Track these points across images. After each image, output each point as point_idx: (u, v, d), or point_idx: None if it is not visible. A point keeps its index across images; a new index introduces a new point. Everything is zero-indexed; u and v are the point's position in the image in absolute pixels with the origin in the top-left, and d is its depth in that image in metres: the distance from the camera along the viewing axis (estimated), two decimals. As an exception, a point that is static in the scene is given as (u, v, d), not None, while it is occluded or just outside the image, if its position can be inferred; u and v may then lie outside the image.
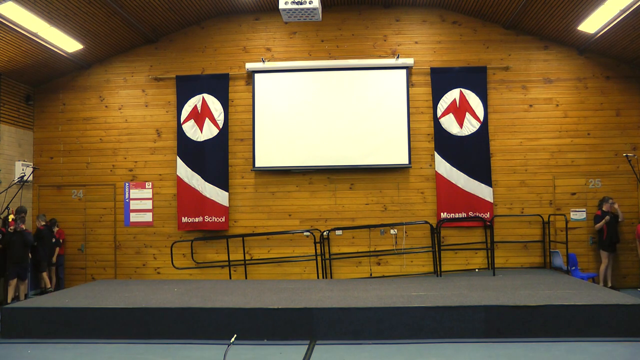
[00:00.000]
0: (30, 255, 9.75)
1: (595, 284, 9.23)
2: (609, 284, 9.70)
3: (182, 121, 10.85)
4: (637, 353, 5.67)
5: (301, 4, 7.54)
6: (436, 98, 10.56)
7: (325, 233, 10.45)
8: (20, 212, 9.74)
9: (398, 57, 10.56)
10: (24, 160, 10.85)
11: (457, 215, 10.35)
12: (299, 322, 6.40)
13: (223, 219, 10.61)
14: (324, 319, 6.38)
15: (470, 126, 10.45)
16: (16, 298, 9.32)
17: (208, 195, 10.66)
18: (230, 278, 10.37)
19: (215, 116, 10.79)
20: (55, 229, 10.51)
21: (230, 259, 10.44)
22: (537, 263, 10.36)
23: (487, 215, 10.24)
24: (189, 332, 6.48)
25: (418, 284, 8.49)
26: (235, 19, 11.00)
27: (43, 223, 10.27)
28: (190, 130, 10.82)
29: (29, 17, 8.66)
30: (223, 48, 11.01)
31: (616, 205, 9.85)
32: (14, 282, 9.29)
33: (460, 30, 10.73)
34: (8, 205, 9.25)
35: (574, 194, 10.39)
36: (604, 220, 9.69)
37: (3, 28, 8.65)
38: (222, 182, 10.69)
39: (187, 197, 10.68)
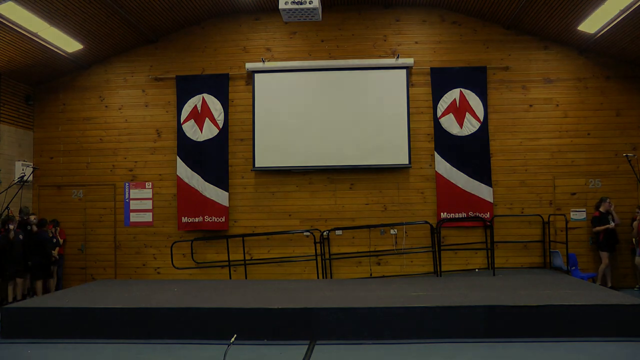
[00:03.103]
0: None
1: (595, 283, 9.23)
2: (609, 284, 9.70)
3: (182, 121, 10.85)
4: (637, 353, 5.67)
5: (301, 4, 7.53)
6: (436, 98, 10.56)
7: (325, 233, 10.45)
8: (20, 212, 9.74)
9: (398, 57, 10.56)
10: (24, 160, 10.85)
11: (457, 215, 10.34)
12: (299, 322, 6.39)
13: (223, 219, 10.61)
14: (324, 319, 6.37)
15: (470, 126, 10.45)
16: (15, 298, 9.32)
17: (208, 195, 10.66)
18: (230, 278, 10.37)
19: (215, 116, 10.78)
20: (57, 229, 10.49)
21: (230, 259, 10.44)
22: (537, 263, 10.36)
23: (487, 215, 10.24)
24: (189, 332, 6.47)
25: (418, 284, 8.48)
26: (235, 19, 11.00)
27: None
28: (190, 130, 10.82)
29: (29, 17, 8.66)
30: (223, 48, 11.01)
31: (612, 208, 9.83)
32: (13, 281, 9.29)
33: (460, 30, 10.72)
34: (8, 205, 9.24)
35: (574, 194, 10.39)
36: (606, 227, 9.69)
37: (3, 28, 8.65)
38: (222, 182, 10.68)
39: (187, 197, 10.68)
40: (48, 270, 9.90)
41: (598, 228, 9.80)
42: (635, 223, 9.63)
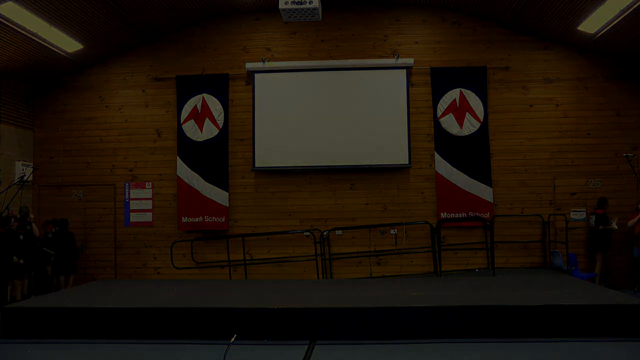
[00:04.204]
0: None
1: (595, 284, 9.22)
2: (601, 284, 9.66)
3: (182, 121, 10.85)
4: (637, 353, 5.67)
5: (301, 4, 7.54)
6: (436, 98, 10.56)
7: (325, 233, 10.45)
8: (21, 212, 9.75)
9: (398, 57, 10.56)
10: (24, 160, 10.85)
11: (457, 215, 10.34)
12: (299, 322, 6.39)
13: (223, 219, 10.61)
14: (324, 319, 6.37)
15: (470, 126, 10.45)
16: (13, 298, 9.31)
17: (208, 195, 10.66)
18: (230, 278, 10.37)
19: (215, 116, 10.79)
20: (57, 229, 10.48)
21: (230, 259, 10.44)
22: (537, 263, 10.36)
23: (487, 215, 10.24)
24: (189, 332, 6.47)
25: (418, 284, 8.48)
26: (235, 19, 11.00)
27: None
28: (190, 130, 10.82)
29: (29, 17, 8.66)
30: (223, 48, 11.01)
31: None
32: (12, 282, 9.29)
33: (460, 30, 10.72)
34: (8, 205, 9.25)
35: (574, 194, 10.39)
36: (612, 227, 9.67)
37: (3, 28, 8.66)
38: (222, 182, 10.69)
39: (187, 197, 10.68)
40: (74, 266, 10.36)
41: (607, 227, 9.75)
42: (631, 222, 9.62)
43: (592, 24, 9.34)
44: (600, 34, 9.50)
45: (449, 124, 10.50)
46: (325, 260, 10.37)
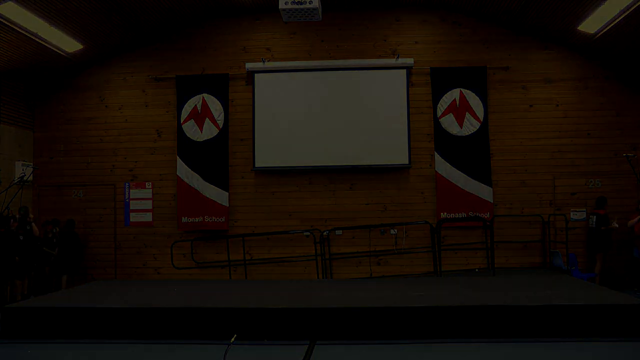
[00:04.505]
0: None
1: (594, 283, 9.22)
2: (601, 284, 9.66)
3: (182, 121, 10.85)
4: (637, 353, 5.66)
5: (301, 4, 7.53)
6: (436, 98, 10.56)
7: (325, 233, 10.45)
8: (20, 212, 9.75)
9: (398, 57, 10.56)
10: (24, 160, 10.85)
11: (457, 215, 10.34)
12: (299, 322, 6.39)
13: (223, 219, 10.61)
14: (324, 319, 6.37)
15: (470, 126, 10.45)
16: (13, 298, 9.32)
17: (208, 195, 10.66)
18: (230, 278, 10.37)
19: (215, 116, 10.79)
20: (57, 229, 10.48)
21: (230, 259, 10.44)
22: (537, 263, 10.36)
23: (487, 215, 10.24)
24: (189, 332, 6.47)
25: (418, 284, 8.47)
26: (235, 19, 11.00)
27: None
28: (190, 130, 10.82)
29: (29, 17, 8.66)
30: (223, 48, 11.01)
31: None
32: (11, 282, 9.29)
33: (460, 30, 10.72)
34: (8, 205, 9.24)
35: (574, 194, 10.39)
36: (613, 227, 9.66)
37: (3, 28, 8.65)
38: (222, 182, 10.69)
39: (187, 197, 10.68)
40: (78, 266, 10.45)
41: (608, 227, 9.74)
42: (631, 222, 9.62)
43: (592, 24, 9.34)
44: (600, 34, 9.50)
45: (449, 123, 10.50)
46: (325, 260, 10.37)
